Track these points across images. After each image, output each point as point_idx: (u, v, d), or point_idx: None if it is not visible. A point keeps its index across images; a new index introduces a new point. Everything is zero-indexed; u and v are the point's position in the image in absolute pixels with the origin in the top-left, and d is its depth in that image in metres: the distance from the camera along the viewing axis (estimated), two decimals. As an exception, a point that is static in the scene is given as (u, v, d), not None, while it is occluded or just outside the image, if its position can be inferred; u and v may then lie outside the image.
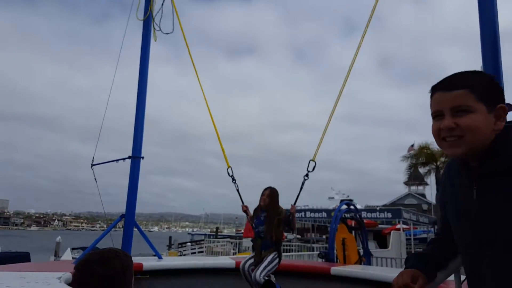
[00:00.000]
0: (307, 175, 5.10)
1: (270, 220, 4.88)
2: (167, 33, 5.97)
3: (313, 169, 5.08)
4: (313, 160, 5.10)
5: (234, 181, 5.49)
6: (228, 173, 5.49)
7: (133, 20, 6.30)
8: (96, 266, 1.25)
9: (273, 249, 4.85)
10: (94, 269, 1.24)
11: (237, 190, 5.48)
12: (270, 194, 4.99)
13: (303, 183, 5.13)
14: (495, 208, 1.23)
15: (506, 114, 1.30)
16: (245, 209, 5.30)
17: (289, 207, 5.01)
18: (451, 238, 1.47)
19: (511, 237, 1.19)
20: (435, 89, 1.33)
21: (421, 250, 1.64)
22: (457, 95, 1.26)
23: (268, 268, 4.69)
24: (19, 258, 14.65)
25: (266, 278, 4.60)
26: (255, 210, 5.16)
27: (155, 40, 5.88)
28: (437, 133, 1.31)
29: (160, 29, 5.85)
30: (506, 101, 1.34)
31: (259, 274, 4.58)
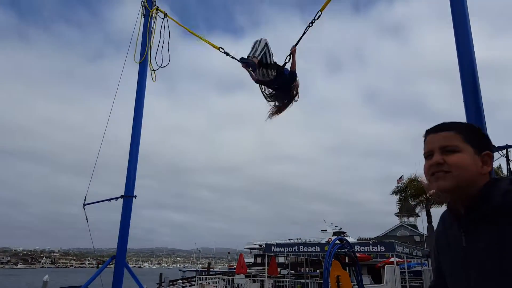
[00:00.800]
0: (312, 22, 4.97)
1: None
2: (164, 66, 6.11)
3: (317, 18, 4.95)
4: (320, 11, 4.95)
5: (227, 54, 5.47)
6: (221, 51, 5.53)
7: (128, 60, 6.46)
8: None
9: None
10: None
11: (233, 57, 5.41)
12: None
13: (306, 28, 5.02)
14: (480, 256, 1.28)
15: (492, 161, 1.39)
16: (245, 66, 5.17)
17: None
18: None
19: (495, 284, 1.23)
20: (427, 133, 1.48)
21: None
22: (446, 136, 1.40)
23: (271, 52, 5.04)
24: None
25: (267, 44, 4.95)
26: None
27: (154, 81, 6.02)
28: (428, 170, 1.42)
29: (158, 67, 6.00)
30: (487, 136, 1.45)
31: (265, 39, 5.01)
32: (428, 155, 1.43)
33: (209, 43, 5.81)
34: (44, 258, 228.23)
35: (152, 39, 6.21)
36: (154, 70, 6.16)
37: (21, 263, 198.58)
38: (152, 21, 6.42)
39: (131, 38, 6.19)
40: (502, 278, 1.22)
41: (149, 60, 6.13)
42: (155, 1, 6.53)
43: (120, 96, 6.62)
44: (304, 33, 5.08)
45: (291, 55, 5.13)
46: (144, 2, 6.51)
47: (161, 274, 32.75)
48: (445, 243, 1.47)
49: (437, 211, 23.76)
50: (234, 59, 5.37)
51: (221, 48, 5.62)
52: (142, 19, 6.40)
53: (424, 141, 1.48)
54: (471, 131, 1.41)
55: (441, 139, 1.40)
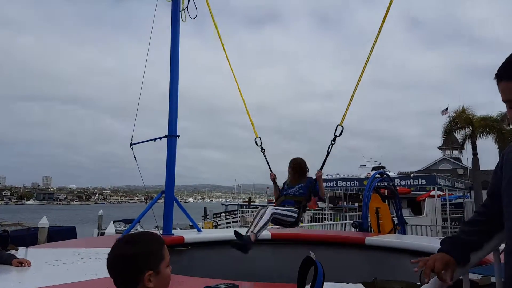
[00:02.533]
0: (334, 139, 4.95)
1: (296, 180, 4.86)
2: (193, 18, 6.00)
3: (340, 134, 4.93)
4: (340, 125, 4.93)
5: (262, 151, 5.51)
6: (256, 143, 5.54)
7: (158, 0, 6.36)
8: (123, 244, 1.37)
9: (296, 206, 4.74)
10: (118, 248, 1.37)
11: (266, 159, 5.50)
12: (296, 164, 4.96)
13: (330, 148, 4.98)
14: None
15: None
16: (273, 177, 5.27)
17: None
18: (493, 216, 1.48)
19: None
20: (499, 78, 1.33)
21: (458, 232, 1.64)
22: None
23: (282, 212, 4.52)
24: (67, 231, 15.64)
25: (274, 215, 4.37)
26: (284, 183, 5.12)
27: (184, 21, 5.95)
28: None
29: (188, 11, 5.89)
30: None
31: (272, 208, 4.42)
32: (509, 105, 1.32)
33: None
34: (97, 195, 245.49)
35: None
36: (182, 11, 6.01)
37: (77, 200, 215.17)
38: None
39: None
40: None
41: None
42: None
43: (154, 39, 6.59)
44: (327, 156, 4.96)
45: (317, 180, 4.83)
46: None
47: (205, 208, 34.52)
48: None
49: (483, 143, 22.98)
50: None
51: (259, 138, 5.55)
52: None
53: (498, 86, 1.35)
54: None
55: None
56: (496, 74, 1.33)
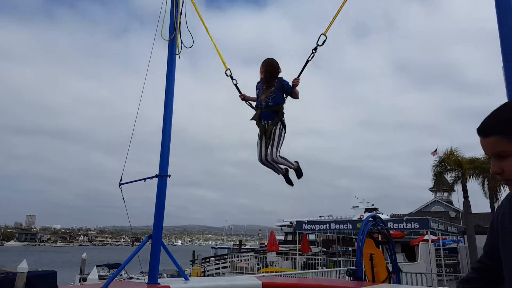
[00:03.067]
0: (315, 48, 4.66)
1: (269, 85, 4.69)
2: (189, 47, 6.00)
3: (323, 44, 4.62)
4: (324, 34, 4.62)
5: (233, 80, 5.37)
6: (226, 74, 5.39)
7: (151, 35, 6.38)
8: None
9: (277, 120, 4.65)
10: None
11: (236, 85, 5.34)
12: (269, 63, 4.76)
13: (310, 57, 4.69)
14: None
15: None
16: (243, 97, 5.15)
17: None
18: (490, 273, 1.49)
19: None
20: (478, 133, 1.38)
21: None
22: (494, 142, 1.30)
23: (280, 143, 4.65)
24: (47, 277, 14.90)
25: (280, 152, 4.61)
26: (257, 84, 4.96)
27: (179, 58, 5.92)
28: (493, 175, 1.39)
29: (184, 45, 5.89)
30: None
31: (274, 153, 4.58)
32: (488, 157, 1.38)
33: (221, 58, 5.71)
34: (82, 236, 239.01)
35: (180, 13, 6.06)
36: (178, 54, 6.02)
37: (60, 241, 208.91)
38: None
39: (159, 15, 6.05)
40: None
41: (180, 37, 6.01)
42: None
43: (144, 72, 6.56)
44: (306, 63, 4.73)
45: (293, 87, 4.73)
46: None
47: (194, 251, 33.60)
48: (508, 218, 1.39)
49: (474, 186, 23.01)
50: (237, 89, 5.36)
51: (229, 70, 5.44)
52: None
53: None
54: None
55: (491, 146, 1.32)
56: (476, 130, 1.39)
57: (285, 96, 4.78)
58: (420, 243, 19.74)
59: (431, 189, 44.40)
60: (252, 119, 4.86)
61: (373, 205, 48.23)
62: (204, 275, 21.51)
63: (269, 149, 4.61)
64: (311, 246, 26.64)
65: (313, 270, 14.42)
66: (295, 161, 4.79)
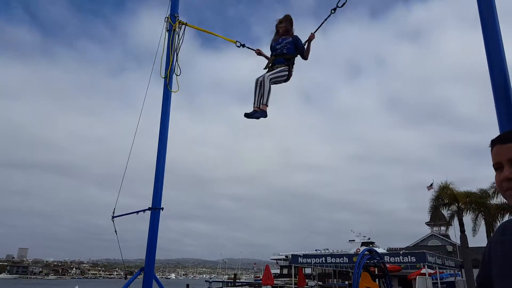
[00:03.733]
0: (334, 9, 4.87)
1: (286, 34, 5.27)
2: (178, 75, 6.26)
3: (343, 5, 4.77)
4: None
5: (244, 46, 5.99)
6: (237, 46, 6.01)
7: (147, 73, 6.59)
8: None
9: (285, 64, 5.18)
10: None
11: (247, 47, 5.91)
12: (288, 19, 5.33)
13: (329, 16, 4.94)
14: None
15: None
16: (259, 51, 5.62)
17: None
18: None
19: None
20: (493, 143, 1.44)
21: None
22: (510, 147, 1.35)
23: (277, 74, 5.05)
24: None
25: (271, 80, 4.95)
26: (272, 41, 5.47)
27: (176, 91, 6.13)
28: (500, 185, 1.38)
29: (177, 79, 6.12)
30: None
31: (267, 76, 4.95)
32: (497, 167, 1.39)
33: (225, 38, 6.30)
34: (74, 269, 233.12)
35: (177, 52, 6.30)
36: (172, 91, 6.24)
37: (52, 274, 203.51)
38: (176, 35, 6.48)
39: (156, 53, 6.29)
40: None
41: (176, 75, 6.24)
42: (177, 16, 6.61)
43: (140, 108, 6.72)
44: (325, 20, 5.05)
45: (308, 42, 5.25)
46: (167, 18, 6.59)
47: (187, 285, 32.85)
48: (500, 246, 1.37)
49: (470, 220, 22.96)
50: (250, 49, 5.87)
51: (238, 41, 6.00)
52: (166, 34, 6.48)
53: (491, 151, 1.44)
54: None
55: (508, 151, 1.35)
56: (491, 141, 1.45)
57: (298, 53, 5.32)
58: (417, 277, 19.49)
59: (427, 223, 44.14)
60: (266, 65, 5.37)
61: (369, 238, 47.68)
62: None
63: (267, 73, 5.09)
64: (306, 280, 26.20)
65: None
66: (267, 104, 5.08)
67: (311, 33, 5.21)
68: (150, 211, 5.89)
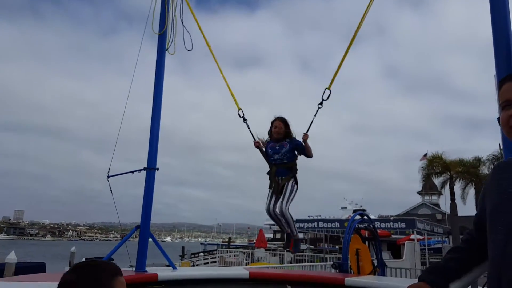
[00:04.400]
0: (321, 103, 4.91)
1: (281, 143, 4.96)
2: (189, 50, 6.07)
3: (328, 98, 4.89)
4: (328, 88, 4.91)
5: (245, 121, 5.42)
6: (239, 115, 5.44)
7: (140, 34, 6.43)
8: (68, 272, 1.34)
9: (290, 176, 4.92)
10: (63, 276, 1.33)
11: (249, 128, 5.42)
12: (283, 122, 5.03)
13: (316, 112, 4.95)
14: None
15: None
16: (258, 144, 5.23)
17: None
18: (477, 244, 1.46)
19: None
20: (504, 81, 1.42)
21: (438, 260, 1.62)
22: None
23: (290, 197, 4.83)
24: (35, 268, 14.87)
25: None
26: (267, 143, 5.17)
27: (172, 53, 5.99)
28: (507, 121, 1.36)
29: (174, 41, 5.98)
30: None
31: (284, 206, 4.74)
32: (505, 104, 1.37)
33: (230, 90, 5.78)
34: (71, 231, 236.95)
35: (172, 8, 6.12)
36: (167, 49, 6.08)
37: (49, 235, 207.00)
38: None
39: (149, 8, 6.09)
40: None
41: (174, 31, 6.07)
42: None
43: (138, 72, 6.59)
44: (313, 119, 4.96)
45: (304, 143, 4.90)
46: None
47: (183, 247, 33.64)
48: (498, 184, 1.38)
49: (459, 189, 23.38)
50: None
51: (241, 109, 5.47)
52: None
53: (499, 91, 1.42)
54: None
55: None
56: (500, 80, 1.44)
57: (297, 153, 5.02)
58: (406, 242, 20.05)
59: (419, 192, 44.89)
60: (269, 175, 5.07)
61: (361, 206, 48.63)
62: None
63: (279, 202, 4.80)
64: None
65: (300, 264, 14.60)
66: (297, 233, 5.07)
67: (304, 133, 4.94)
68: (145, 171, 5.91)
